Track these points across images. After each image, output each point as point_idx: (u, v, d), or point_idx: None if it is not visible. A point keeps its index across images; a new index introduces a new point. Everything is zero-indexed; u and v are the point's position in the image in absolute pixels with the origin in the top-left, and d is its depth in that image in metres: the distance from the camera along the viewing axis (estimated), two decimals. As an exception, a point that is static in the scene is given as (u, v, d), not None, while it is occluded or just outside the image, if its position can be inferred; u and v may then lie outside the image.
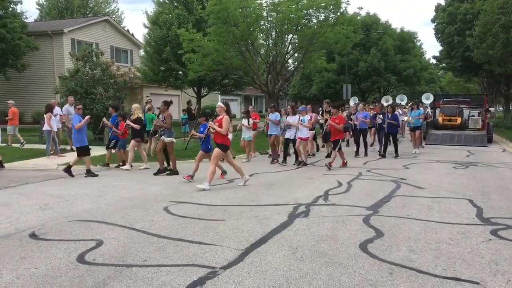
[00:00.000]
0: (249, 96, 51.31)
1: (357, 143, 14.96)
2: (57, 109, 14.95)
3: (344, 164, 11.97)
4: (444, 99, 24.12)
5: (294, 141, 12.41)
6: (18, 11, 27.93)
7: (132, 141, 11.56)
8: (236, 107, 46.92)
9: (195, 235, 5.61)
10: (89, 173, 10.71)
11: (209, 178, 8.85)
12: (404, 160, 13.51)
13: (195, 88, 31.18)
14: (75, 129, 10.83)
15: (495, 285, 4.09)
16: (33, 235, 5.68)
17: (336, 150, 11.78)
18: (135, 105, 12.16)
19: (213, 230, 5.82)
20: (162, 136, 10.95)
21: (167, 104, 11.16)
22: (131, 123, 11.46)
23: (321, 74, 37.24)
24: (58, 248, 5.13)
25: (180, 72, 28.73)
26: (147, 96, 27.09)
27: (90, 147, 11.74)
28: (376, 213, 6.74)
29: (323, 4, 20.66)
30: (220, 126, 8.98)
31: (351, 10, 77.44)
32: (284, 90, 44.38)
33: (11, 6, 27.02)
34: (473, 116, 21.00)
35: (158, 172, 10.89)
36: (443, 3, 37.47)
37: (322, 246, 5.15)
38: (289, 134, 12.49)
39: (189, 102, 22.16)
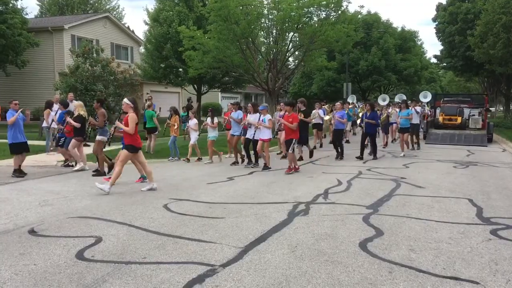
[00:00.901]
0: (250, 94, 51.30)
1: (334, 144, 14.07)
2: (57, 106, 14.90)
3: (295, 169, 10.78)
4: (445, 99, 24.12)
5: (255, 141, 11.58)
6: (19, 7, 27.92)
7: (73, 140, 10.93)
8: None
9: (194, 233, 5.60)
10: (16, 172, 10.05)
11: (112, 180, 8.17)
12: (404, 159, 13.50)
13: (195, 85, 31.16)
14: (8, 125, 10.19)
15: (495, 285, 4.08)
16: (32, 232, 5.67)
17: (289, 151, 10.76)
18: (77, 103, 11.77)
19: (213, 228, 5.81)
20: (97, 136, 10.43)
21: (100, 101, 10.86)
22: (71, 121, 10.80)
23: (321, 73, 37.19)
24: (57, 245, 5.13)
25: (180, 70, 28.72)
26: (147, 94, 27.10)
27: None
28: (376, 212, 6.73)
29: (324, 3, 20.59)
30: (126, 125, 8.29)
31: (352, 8, 76.90)
32: (284, 88, 44.38)
33: (12, 2, 26.99)
34: (474, 115, 20.99)
35: (98, 173, 10.32)
36: (444, 2, 37.41)
37: (322, 245, 5.14)
38: (249, 134, 11.83)
39: (189, 100, 22.15)
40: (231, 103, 13.35)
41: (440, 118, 21.07)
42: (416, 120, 16.26)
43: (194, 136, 13.01)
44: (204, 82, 30.45)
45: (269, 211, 6.73)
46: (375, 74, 37.10)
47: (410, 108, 16.40)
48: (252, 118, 11.75)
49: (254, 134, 11.52)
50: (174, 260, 4.63)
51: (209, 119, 13.03)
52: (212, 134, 12.83)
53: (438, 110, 21.90)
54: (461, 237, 5.49)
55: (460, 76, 42.57)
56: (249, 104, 12.57)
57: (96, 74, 18.30)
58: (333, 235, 5.53)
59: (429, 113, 21.49)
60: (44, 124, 13.96)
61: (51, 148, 13.81)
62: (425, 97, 22.45)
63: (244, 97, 49.93)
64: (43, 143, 14.54)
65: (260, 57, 23.47)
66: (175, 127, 13.40)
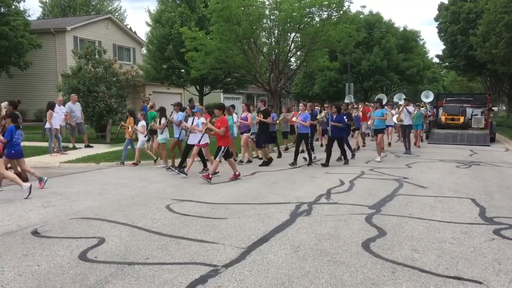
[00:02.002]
0: (252, 95, 51.28)
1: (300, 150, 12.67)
2: (61, 107, 14.95)
3: (208, 177, 9.44)
4: (447, 98, 24.06)
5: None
6: (21, 8, 27.93)
7: None
8: (238, 105, 46.84)
9: (197, 233, 5.60)
10: None
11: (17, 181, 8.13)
12: (407, 159, 13.47)
13: (197, 86, 31.17)
14: None
15: (498, 285, 4.07)
16: (35, 233, 5.68)
17: (217, 159, 9.67)
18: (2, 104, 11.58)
19: (215, 228, 5.82)
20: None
21: (12, 104, 10.83)
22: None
23: (323, 73, 37.18)
24: (60, 246, 5.14)
25: (183, 70, 28.72)
26: (150, 94, 27.12)
27: (92, 145, 11.63)
28: (378, 212, 6.72)
29: (326, 3, 20.61)
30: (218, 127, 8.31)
31: (354, 8, 76.93)
32: (286, 89, 44.35)
33: (14, 3, 27.02)
34: (476, 115, 20.93)
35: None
36: (446, 1, 37.34)
37: (324, 245, 5.14)
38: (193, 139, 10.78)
39: (191, 100, 22.16)
40: (173, 104, 11.96)
41: (443, 118, 21.03)
42: (407, 121, 15.22)
43: (141, 139, 12.07)
44: (206, 83, 30.46)
45: (271, 212, 6.73)
46: (377, 74, 37.06)
47: (388, 108, 15.66)
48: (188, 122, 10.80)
49: (201, 138, 10.17)
50: (176, 261, 4.64)
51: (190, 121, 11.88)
52: (161, 136, 11.57)
53: (440, 110, 21.85)
54: (464, 237, 5.47)
55: (463, 75, 42.47)
56: (243, 104, 12.86)
57: (99, 75, 18.32)
58: (335, 235, 5.52)
59: (429, 113, 21.35)
60: (47, 126, 14.01)
61: (55, 150, 13.85)
62: (427, 97, 22.33)
63: (246, 98, 49.92)
64: (45, 144, 14.57)
65: (262, 57, 23.49)
66: (129, 129, 12.45)
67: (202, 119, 10.38)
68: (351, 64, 34.94)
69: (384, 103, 19.52)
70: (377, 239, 5.38)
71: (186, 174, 10.19)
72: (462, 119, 20.68)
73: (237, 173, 9.93)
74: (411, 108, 15.68)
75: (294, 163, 11.96)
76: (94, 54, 19.13)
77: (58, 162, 12.30)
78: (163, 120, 11.55)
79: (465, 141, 18.75)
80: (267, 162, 12.22)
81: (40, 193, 8.26)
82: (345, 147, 13.00)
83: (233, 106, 13.65)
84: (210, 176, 9.45)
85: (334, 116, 12.34)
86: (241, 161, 12.63)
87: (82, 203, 7.42)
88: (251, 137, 13.01)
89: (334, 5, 20.93)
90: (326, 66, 27.43)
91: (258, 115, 12.55)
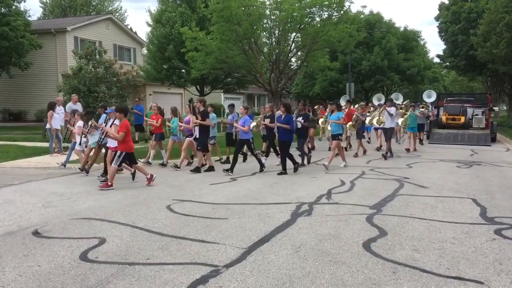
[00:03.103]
0: (252, 95, 51.29)
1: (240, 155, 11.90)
2: (61, 108, 14.95)
3: (107, 186, 8.82)
4: (448, 98, 24.05)
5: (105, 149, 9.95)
6: (22, 9, 27.99)
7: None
8: (239, 105, 46.84)
9: (197, 234, 5.60)
10: None
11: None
12: (408, 159, 13.46)
13: (198, 86, 31.17)
14: None
15: (499, 285, 4.07)
16: (36, 233, 5.68)
17: (113, 164, 8.90)
18: None
19: (216, 229, 5.82)
20: None
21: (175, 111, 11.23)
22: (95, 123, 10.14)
23: (324, 73, 37.16)
24: (61, 246, 5.14)
25: (183, 71, 28.72)
26: (150, 95, 27.12)
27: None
28: (379, 212, 6.71)
29: (326, 3, 20.58)
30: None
31: (354, 8, 77.02)
32: (287, 89, 44.38)
33: (15, 4, 27.06)
34: (477, 115, 20.92)
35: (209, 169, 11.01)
36: (446, 1, 37.32)
37: (325, 245, 5.13)
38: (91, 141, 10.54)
39: (191, 101, 22.16)
40: (98, 106, 11.14)
41: (444, 118, 21.02)
42: (389, 123, 13.84)
43: (78, 141, 11.22)
44: (207, 83, 30.45)
45: (272, 212, 6.73)
46: (378, 74, 37.06)
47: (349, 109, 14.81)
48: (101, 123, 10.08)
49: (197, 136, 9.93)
50: (177, 261, 4.64)
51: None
52: (92, 140, 10.67)
53: (441, 110, 21.84)
54: (465, 237, 5.47)
55: (463, 75, 42.47)
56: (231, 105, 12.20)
57: (99, 75, 18.36)
58: (336, 235, 5.52)
59: (430, 113, 21.25)
60: (47, 126, 14.01)
61: (56, 150, 13.86)
62: (429, 96, 22.28)
63: (247, 98, 49.93)
64: (46, 144, 14.58)
65: (263, 57, 23.47)
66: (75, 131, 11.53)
67: (116, 121, 9.48)
68: (351, 64, 34.92)
69: (379, 103, 19.19)
70: (378, 239, 5.38)
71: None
72: (463, 119, 20.67)
73: (148, 176, 9.16)
74: (392, 109, 13.91)
75: (230, 170, 10.54)
76: (95, 54, 19.18)
77: (59, 162, 12.28)
78: (91, 122, 10.56)
79: (466, 141, 18.74)
80: (209, 168, 11.11)
81: (40, 194, 8.27)
82: (300, 150, 11.82)
83: (232, 106, 13.57)
84: (109, 183, 8.76)
85: (283, 117, 10.99)
86: (177, 166, 11.41)
87: (83, 203, 7.42)
88: (211, 142, 11.93)
89: (335, 5, 20.90)
90: (327, 66, 27.40)
91: (192, 119, 11.43)
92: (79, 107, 16.08)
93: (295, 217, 6.42)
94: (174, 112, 12.52)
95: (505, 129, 24.75)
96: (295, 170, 10.90)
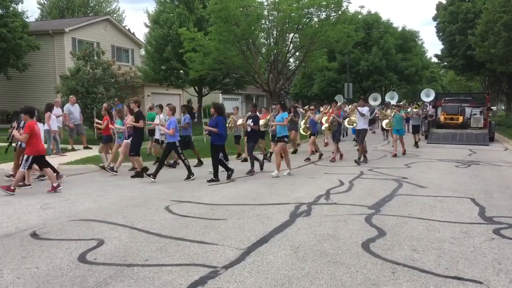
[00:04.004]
0: (251, 95, 51.27)
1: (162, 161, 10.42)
2: (58, 109, 14.94)
3: (8, 189, 8.37)
4: (446, 98, 24.08)
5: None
6: (19, 10, 27.98)
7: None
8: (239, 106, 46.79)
9: (196, 235, 5.59)
10: None
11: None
12: (406, 159, 13.47)
13: (196, 87, 31.18)
14: None
15: (498, 284, 4.07)
16: (34, 235, 5.67)
17: (22, 168, 8.53)
18: None
19: (215, 230, 5.81)
20: None
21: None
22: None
23: (322, 73, 37.24)
24: (59, 248, 5.12)
25: (181, 71, 28.73)
26: (148, 96, 27.11)
27: (90, 146, 11.55)
28: (378, 212, 6.71)
29: (324, 3, 20.59)
30: None
31: (352, 8, 76.89)
32: (285, 89, 44.37)
33: (12, 5, 27.04)
34: (475, 114, 20.94)
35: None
36: (444, 1, 37.41)
37: (324, 246, 5.13)
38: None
39: (189, 101, 22.17)
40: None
41: (442, 118, 21.04)
42: (361, 125, 12.74)
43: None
44: (205, 83, 30.47)
45: (271, 212, 6.72)
46: (376, 74, 37.14)
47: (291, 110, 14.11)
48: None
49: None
50: (176, 262, 4.63)
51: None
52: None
53: (439, 110, 21.86)
54: (463, 237, 5.47)
55: (461, 75, 42.57)
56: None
57: (97, 76, 18.31)
58: (335, 235, 5.51)
59: (429, 113, 21.18)
60: (45, 127, 13.96)
61: (54, 151, 13.83)
62: (428, 95, 22.25)
63: (245, 99, 49.92)
64: (44, 146, 14.52)
65: (261, 58, 23.48)
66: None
67: (43, 125, 9.08)
68: (349, 64, 34.96)
69: (378, 103, 19.05)
70: (376, 239, 5.38)
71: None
72: (461, 118, 20.69)
73: (55, 184, 8.58)
74: (364, 109, 12.70)
75: (153, 175, 9.70)
76: (93, 55, 19.12)
77: (57, 164, 12.25)
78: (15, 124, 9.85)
79: (464, 140, 18.75)
80: (139, 173, 10.26)
81: (39, 195, 8.24)
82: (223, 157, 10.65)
83: (160, 106, 12.75)
84: (12, 188, 8.36)
85: (213, 118, 10.17)
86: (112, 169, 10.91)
87: (81, 205, 7.41)
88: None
89: (333, 6, 20.91)
90: (325, 67, 27.45)
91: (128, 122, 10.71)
92: (77, 108, 16.08)
93: (294, 217, 6.41)
94: (120, 112, 11.34)
95: (503, 129, 24.78)
96: (228, 177, 9.92)
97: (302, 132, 14.77)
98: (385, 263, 4.57)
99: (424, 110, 19.62)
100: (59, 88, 19.19)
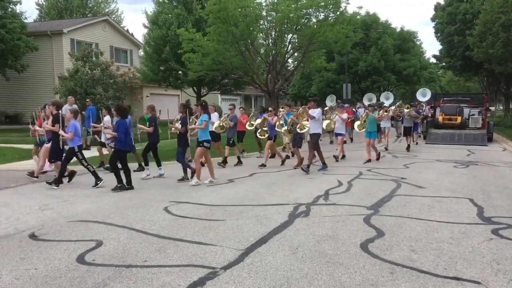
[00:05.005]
0: (249, 96, 51.29)
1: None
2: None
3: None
4: (444, 98, 24.11)
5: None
6: (18, 11, 27.95)
7: None
8: (236, 107, 46.72)
9: (195, 235, 5.59)
10: None
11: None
12: (405, 160, 13.48)
13: (195, 88, 31.19)
14: None
15: (497, 285, 4.07)
16: (32, 236, 5.66)
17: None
18: None
19: (213, 230, 5.80)
20: None
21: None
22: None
23: (321, 74, 37.26)
24: (57, 249, 5.12)
25: (180, 72, 28.74)
26: (147, 96, 27.10)
27: (91, 147, 11.48)
28: (376, 213, 6.71)
29: (323, 4, 20.65)
30: None
31: (350, 9, 77.08)
32: (284, 90, 44.41)
33: (10, 6, 27.02)
34: (473, 115, 20.98)
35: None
36: (442, 2, 37.47)
37: (323, 246, 5.13)
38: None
39: (187, 102, 22.19)
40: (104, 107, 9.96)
41: (440, 118, 21.06)
42: (314, 128, 11.23)
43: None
44: (204, 84, 30.49)
45: (269, 213, 6.72)
46: (375, 75, 37.17)
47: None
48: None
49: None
50: (175, 263, 4.62)
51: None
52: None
53: (438, 110, 21.88)
54: (462, 237, 5.47)
55: (460, 75, 42.66)
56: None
57: (96, 77, 18.35)
58: (334, 236, 5.51)
59: (425, 113, 20.93)
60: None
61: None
62: (424, 95, 22.22)
63: (244, 99, 49.94)
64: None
65: (259, 58, 23.53)
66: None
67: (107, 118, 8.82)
68: (348, 64, 35.00)
69: (370, 103, 18.92)
70: (375, 239, 5.38)
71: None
72: (459, 119, 20.72)
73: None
74: (315, 111, 11.14)
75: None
76: (91, 56, 19.15)
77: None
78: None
79: (463, 141, 18.78)
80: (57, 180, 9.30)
81: (37, 196, 8.23)
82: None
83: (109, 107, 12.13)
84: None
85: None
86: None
87: (79, 206, 7.40)
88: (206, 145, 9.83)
89: (331, 6, 20.98)
90: (324, 67, 27.52)
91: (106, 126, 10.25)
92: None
93: (293, 218, 6.41)
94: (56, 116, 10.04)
95: (502, 129, 24.82)
96: (116, 188, 8.80)
97: (259, 136, 13.54)
98: (383, 264, 4.57)
99: (420, 110, 19.54)
100: (57, 89, 19.20)
